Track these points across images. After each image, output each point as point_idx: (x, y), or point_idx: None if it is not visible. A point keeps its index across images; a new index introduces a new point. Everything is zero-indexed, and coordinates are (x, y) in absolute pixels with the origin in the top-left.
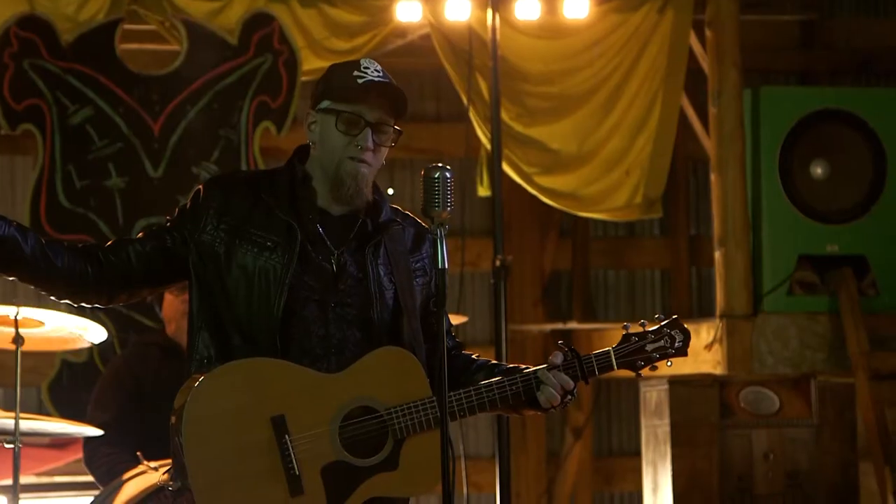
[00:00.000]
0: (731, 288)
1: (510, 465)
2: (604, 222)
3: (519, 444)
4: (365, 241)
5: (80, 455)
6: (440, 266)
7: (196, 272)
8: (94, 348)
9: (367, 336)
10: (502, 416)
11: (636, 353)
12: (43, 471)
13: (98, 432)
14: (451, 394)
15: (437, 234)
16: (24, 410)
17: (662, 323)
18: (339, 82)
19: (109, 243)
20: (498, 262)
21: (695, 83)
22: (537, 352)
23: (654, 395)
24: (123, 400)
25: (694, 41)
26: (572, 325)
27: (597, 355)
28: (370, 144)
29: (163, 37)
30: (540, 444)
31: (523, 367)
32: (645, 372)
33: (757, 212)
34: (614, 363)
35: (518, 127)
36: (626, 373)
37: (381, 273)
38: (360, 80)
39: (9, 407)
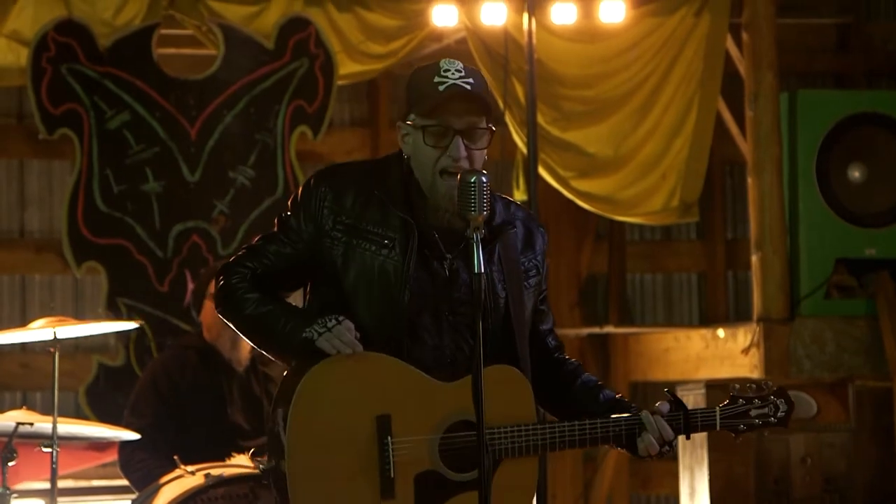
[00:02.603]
0: (768, 292)
1: (547, 466)
2: (640, 226)
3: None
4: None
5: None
6: (476, 270)
7: (315, 275)
8: (130, 352)
9: (467, 342)
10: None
11: (740, 417)
12: (82, 469)
13: (135, 436)
14: (555, 425)
15: (472, 238)
16: (61, 414)
17: (769, 390)
18: (421, 92)
19: (263, 269)
20: None
21: (731, 86)
22: (574, 356)
23: (691, 399)
24: (159, 405)
25: (730, 44)
26: (609, 329)
27: (702, 412)
28: (462, 153)
29: (199, 41)
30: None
31: (624, 400)
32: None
33: (794, 215)
34: (718, 423)
35: (554, 131)
36: (663, 375)
37: (496, 280)
38: (441, 87)
39: (47, 411)
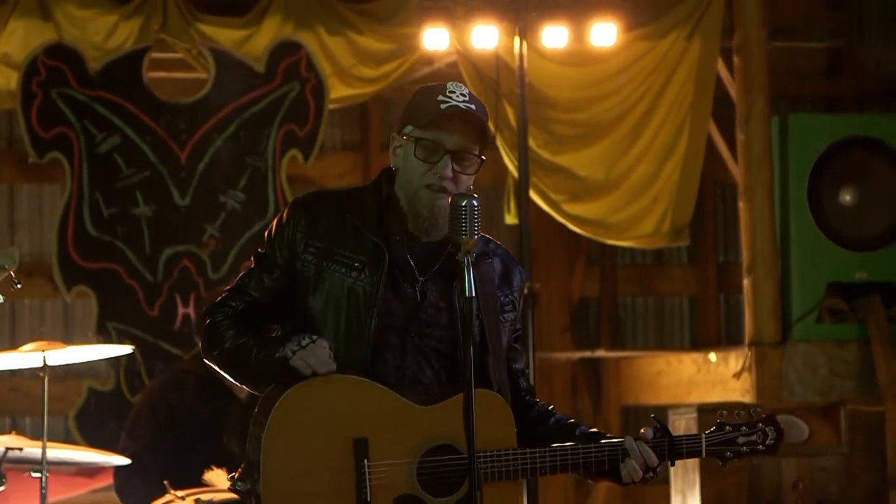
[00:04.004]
0: (759, 315)
1: (538, 491)
2: (631, 249)
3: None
4: (454, 275)
5: (108, 482)
6: (467, 294)
7: (289, 300)
8: (121, 376)
9: (444, 371)
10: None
11: (727, 444)
12: (71, 496)
13: (126, 461)
14: (537, 450)
15: (463, 262)
16: (51, 439)
17: (758, 418)
18: (421, 107)
19: (245, 305)
20: (525, 290)
21: (722, 110)
22: (565, 380)
23: (682, 423)
24: (156, 430)
25: (721, 68)
26: (600, 352)
27: (687, 438)
28: (448, 173)
29: (190, 65)
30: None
31: (607, 434)
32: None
33: (785, 239)
34: (704, 449)
35: (545, 154)
36: (655, 399)
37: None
38: (443, 106)
39: (36, 436)
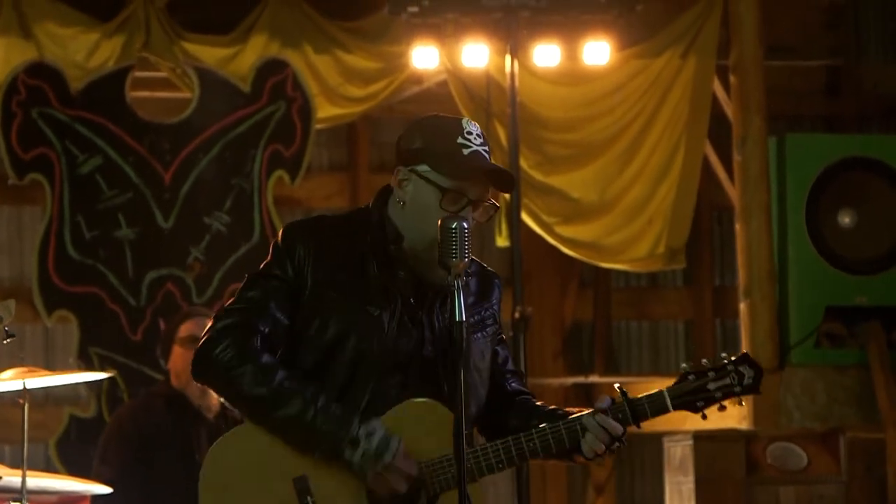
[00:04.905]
0: (756, 340)
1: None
2: (626, 272)
3: (539, 500)
4: (434, 299)
5: None
6: (457, 318)
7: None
8: (102, 403)
9: (434, 397)
10: (521, 470)
11: (695, 393)
12: None
13: (106, 490)
14: (488, 445)
15: (454, 285)
16: (31, 467)
17: (728, 360)
18: (442, 148)
19: (263, 334)
20: (517, 314)
21: (719, 130)
22: (558, 406)
23: (678, 451)
24: (128, 453)
25: (718, 87)
26: (594, 378)
27: (648, 396)
28: (470, 222)
29: (174, 84)
30: (561, 499)
31: (575, 411)
32: (710, 412)
33: (783, 262)
34: (669, 404)
35: (537, 175)
36: (649, 426)
37: (446, 332)
38: (465, 151)
39: (16, 464)
